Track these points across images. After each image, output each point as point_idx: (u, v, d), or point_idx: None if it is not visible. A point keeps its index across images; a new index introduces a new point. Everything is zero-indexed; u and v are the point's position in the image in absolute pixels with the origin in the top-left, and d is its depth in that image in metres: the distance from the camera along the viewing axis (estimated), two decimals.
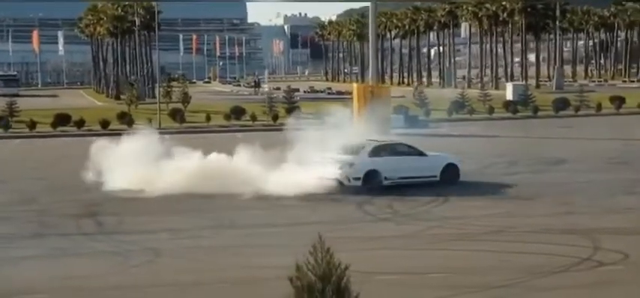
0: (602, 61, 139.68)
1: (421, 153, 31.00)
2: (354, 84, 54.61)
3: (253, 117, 63.29)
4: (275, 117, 62.51)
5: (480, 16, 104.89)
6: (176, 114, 64.80)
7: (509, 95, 74.74)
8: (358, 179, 29.57)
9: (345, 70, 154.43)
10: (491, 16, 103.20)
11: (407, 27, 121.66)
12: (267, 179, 28.64)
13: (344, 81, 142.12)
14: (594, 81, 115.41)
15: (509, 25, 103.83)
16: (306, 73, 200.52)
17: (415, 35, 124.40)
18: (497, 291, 17.59)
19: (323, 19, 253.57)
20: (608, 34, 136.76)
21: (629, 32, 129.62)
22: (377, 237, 22.65)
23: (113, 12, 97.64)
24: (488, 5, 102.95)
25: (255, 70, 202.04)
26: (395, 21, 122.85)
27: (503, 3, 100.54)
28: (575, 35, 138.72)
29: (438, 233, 23.38)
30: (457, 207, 26.85)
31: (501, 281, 18.06)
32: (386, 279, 18.27)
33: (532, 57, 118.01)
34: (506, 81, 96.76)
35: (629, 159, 37.50)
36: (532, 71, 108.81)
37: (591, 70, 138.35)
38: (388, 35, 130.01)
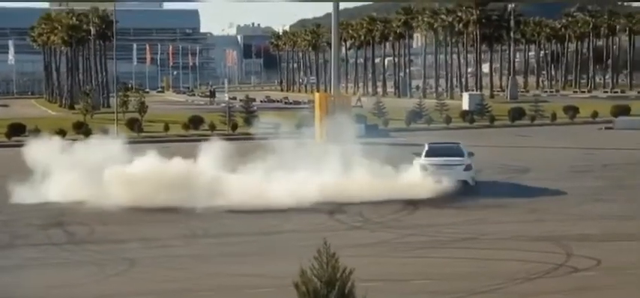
0: (552, 72, 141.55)
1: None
2: (316, 93, 54.80)
3: (212, 127, 63.02)
4: (234, 127, 62.45)
5: (435, 26, 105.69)
6: (134, 124, 64.35)
7: (465, 105, 75.36)
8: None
9: (300, 80, 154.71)
10: (446, 26, 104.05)
11: (362, 37, 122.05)
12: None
13: (299, 91, 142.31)
14: (546, 92, 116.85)
15: (464, 36, 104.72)
16: (260, 82, 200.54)
17: (370, 45, 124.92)
18: (480, 296, 17.78)
19: (276, 29, 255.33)
20: (558, 45, 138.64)
21: (579, 43, 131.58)
22: (353, 245, 22.76)
23: (68, 21, 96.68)
24: (443, 16, 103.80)
25: (209, 80, 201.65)
26: (350, 31, 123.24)
27: (459, 14, 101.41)
28: (526, 46, 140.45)
29: (413, 241, 23.55)
30: (427, 215, 27.05)
31: (481, 287, 18.26)
32: (368, 286, 18.34)
33: (485, 67, 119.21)
34: (461, 91, 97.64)
35: (590, 167, 38.09)
36: (486, 81, 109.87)
37: (542, 81, 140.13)
38: (343, 45, 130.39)
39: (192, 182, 29.01)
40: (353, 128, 39.23)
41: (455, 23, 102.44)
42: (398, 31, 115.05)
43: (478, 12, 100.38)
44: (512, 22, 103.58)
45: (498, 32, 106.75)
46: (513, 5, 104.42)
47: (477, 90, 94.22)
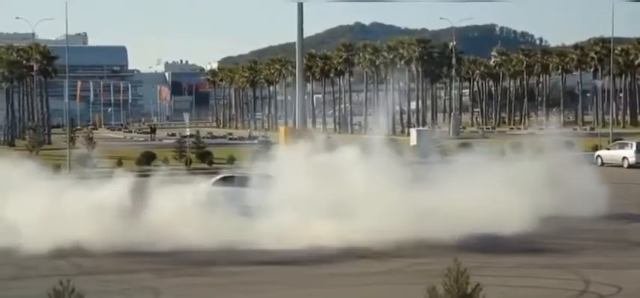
0: (484, 109, 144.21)
1: None
2: (281, 127, 55.07)
3: (166, 162, 62.60)
4: (188, 162, 62.17)
5: (377, 63, 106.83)
6: (85, 160, 63.50)
7: (413, 140, 76.19)
8: None
9: (233, 116, 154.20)
10: (387, 63, 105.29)
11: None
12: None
13: (235, 127, 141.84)
14: (482, 128, 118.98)
15: (406, 73, 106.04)
16: (193, 119, 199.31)
17: (310, 82, 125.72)
18: None
19: (203, 66, 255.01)
20: (491, 83, 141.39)
21: (511, 81, 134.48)
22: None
23: (8, 57, 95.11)
24: (385, 53, 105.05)
25: (141, 117, 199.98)
26: (290, 68, 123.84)
27: (401, 51, 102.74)
28: (461, 84, 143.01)
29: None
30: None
31: None
32: None
33: (412, 105, 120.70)
34: (402, 127, 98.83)
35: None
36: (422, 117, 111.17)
37: (476, 118, 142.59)
38: (282, 82, 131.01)
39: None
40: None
41: (396, 60, 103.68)
42: (338, 68, 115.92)
43: (420, 49, 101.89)
44: (454, 60, 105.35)
45: (439, 70, 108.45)
46: (454, 43, 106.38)
47: (420, 126, 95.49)
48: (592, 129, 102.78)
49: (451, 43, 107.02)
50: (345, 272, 23.42)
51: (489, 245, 26.36)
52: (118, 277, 22.73)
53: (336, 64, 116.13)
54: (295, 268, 23.86)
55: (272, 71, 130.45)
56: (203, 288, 21.56)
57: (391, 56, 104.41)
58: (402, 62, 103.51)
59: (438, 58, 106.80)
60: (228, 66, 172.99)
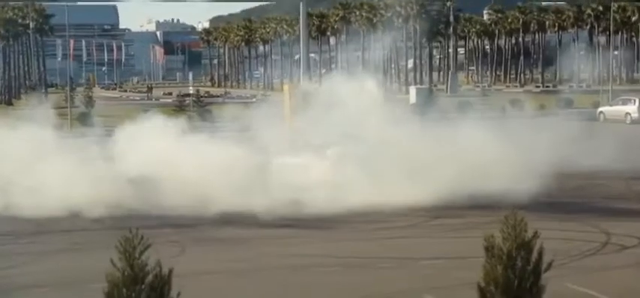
0: (480, 68, 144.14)
1: None
2: (285, 85, 55.11)
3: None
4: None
5: (374, 22, 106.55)
6: (85, 119, 63.42)
7: (412, 99, 76.24)
8: None
9: (228, 75, 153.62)
10: (384, 22, 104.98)
11: (297, 32, 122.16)
12: None
13: (231, 86, 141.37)
14: (479, 86, 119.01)
15: (404, 31, 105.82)
16: (186, 79, 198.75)
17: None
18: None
19: (195, 25, 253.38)
20: (488, 40, 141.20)
21: (507, 39, 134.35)
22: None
23: (4, 15, 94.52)
24: (382, 11, 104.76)
25: (134, 76, 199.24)
26: (285, 27, 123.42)
27: (399, 9, 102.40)
28: (456, 42, 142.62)
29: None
30: None
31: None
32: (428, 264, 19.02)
33: (409, 63, 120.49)
34: (400, 85, 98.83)
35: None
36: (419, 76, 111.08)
37: (471, 76, 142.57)
38: (278, 41, 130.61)
39: None
40: None
41: (394, 18, 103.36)
42: (335, 27, 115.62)
43: (418, 7, 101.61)
44: (451, 17, 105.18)
45: (437, 28, 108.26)
46: (450, 2, 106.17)
47: (416, 84, 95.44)
48: (588, 86, 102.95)
49: (448, 2, 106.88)
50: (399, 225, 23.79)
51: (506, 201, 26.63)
52: None
53: (332, 22, 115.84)
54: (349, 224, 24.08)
55: (268, 30, 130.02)
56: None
57: (389, 14, 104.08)
58: (400, 20, 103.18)
59: (435, 15, 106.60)
60: (221, 25, 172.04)
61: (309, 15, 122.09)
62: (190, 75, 77.89)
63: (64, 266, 19.66)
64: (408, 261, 19.79)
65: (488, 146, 28.41)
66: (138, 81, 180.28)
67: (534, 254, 10.79)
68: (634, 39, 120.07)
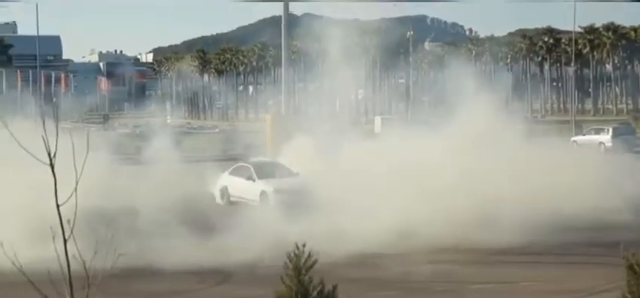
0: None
1: None
2: (267, 115, 55.20)
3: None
4: None
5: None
6: None
7: (377, 128, 76.69)
8: None
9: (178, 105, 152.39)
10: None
11: (254, 63, 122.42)
12: None
13: (191, 118, 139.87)
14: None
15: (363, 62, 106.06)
16: (134, 110, 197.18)
17: (261, 72, 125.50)
18: None
19: (138, 56, 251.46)
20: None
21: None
22: None
23: None
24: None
25: (82, 108, 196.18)
26: (241, 58, 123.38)
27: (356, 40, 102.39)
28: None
29: None
30: None
31: None
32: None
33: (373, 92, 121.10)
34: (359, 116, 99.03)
35: None
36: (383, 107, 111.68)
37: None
38: (237, 71, 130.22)
39: None
40: None
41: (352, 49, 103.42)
42: (293, 58, 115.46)
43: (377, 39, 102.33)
44: (410, 48, 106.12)
45: (396, 59, 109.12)
46: (411, 33, 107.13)
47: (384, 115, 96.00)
48: (543, 116, 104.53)
49: (408, 33, 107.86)
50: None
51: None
52: None
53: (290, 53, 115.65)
54: None
55: (222, 60, 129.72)
56: None
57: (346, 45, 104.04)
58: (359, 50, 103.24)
59: (393, 47, 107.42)
60: (163, 56, 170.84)
61: (264, 46, 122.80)
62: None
63: None
64: None
65: None
66: (86, 112, 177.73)
67: None
68: (584, 70, 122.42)
